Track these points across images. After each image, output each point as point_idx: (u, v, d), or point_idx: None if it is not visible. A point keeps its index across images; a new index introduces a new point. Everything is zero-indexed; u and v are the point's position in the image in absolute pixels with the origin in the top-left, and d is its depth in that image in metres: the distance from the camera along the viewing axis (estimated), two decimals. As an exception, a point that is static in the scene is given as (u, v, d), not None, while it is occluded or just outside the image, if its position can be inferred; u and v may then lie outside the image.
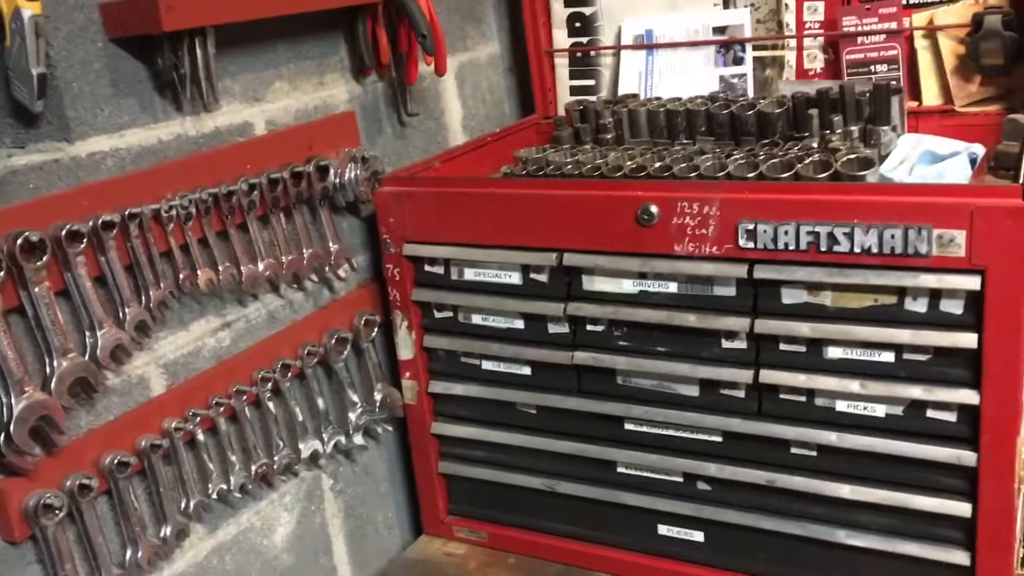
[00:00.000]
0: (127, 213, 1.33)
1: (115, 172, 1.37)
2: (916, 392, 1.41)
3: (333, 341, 1.72)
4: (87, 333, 1.29)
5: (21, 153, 1.31)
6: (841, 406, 1.48)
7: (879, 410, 1.46)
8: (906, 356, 1.42)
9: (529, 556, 1.84)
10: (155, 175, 1.41)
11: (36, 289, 1.21)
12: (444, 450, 1.89)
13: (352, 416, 1.77)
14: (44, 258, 1.20)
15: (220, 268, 1.49)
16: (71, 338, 1.27)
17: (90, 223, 1.28)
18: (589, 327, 1.65)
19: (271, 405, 1.60)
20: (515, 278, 1.69)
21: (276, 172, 1.57)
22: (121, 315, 1.34)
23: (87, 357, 1.29)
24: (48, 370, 1.24)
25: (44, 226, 1.23)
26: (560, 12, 2.21)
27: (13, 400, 1.17)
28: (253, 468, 1.57)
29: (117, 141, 1.38)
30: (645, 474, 1.69)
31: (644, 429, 1.66)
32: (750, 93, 2.03)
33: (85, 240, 1.26)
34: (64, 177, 1.31)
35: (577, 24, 2.20)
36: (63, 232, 1.23)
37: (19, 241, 1.17)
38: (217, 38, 1.44)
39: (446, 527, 1.92)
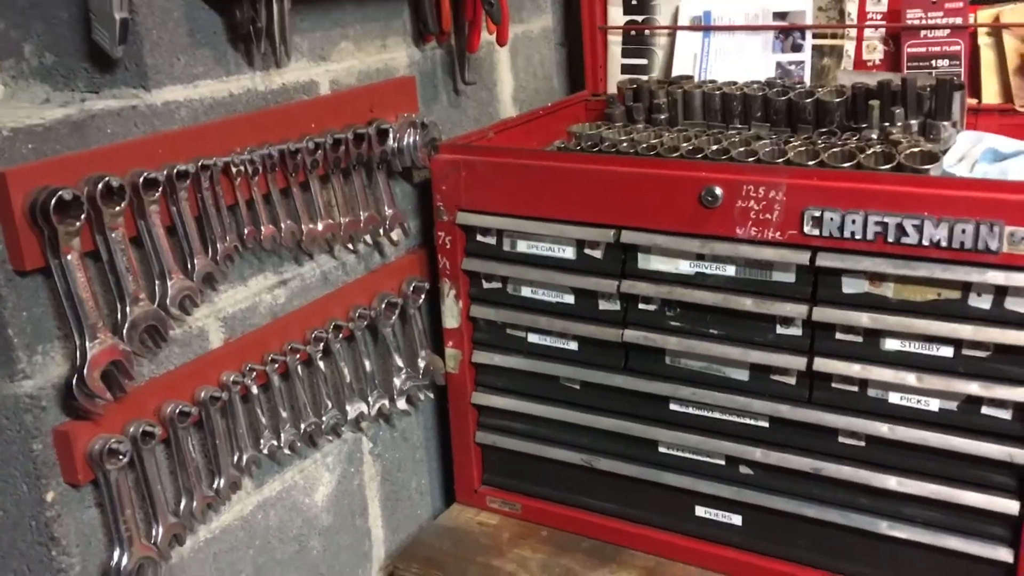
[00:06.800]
0: (200, 164, 1.33)
1: (188, 122, 1.37)
2: (973, 388, 1.41)
3: (383, 305, 1.72)
4: (157, 282, 1.29)
5: (95, 98, 1.31)
6: (894, 398, 1.49)
7: (933, 404, 1.46)
8: (966, 352, 1.42)
9: (562, 530, 1.84)
10: (225, 128, 1.41)
11: (113, 234, 1.20)
12: (483, 420, 1.89)
13: (397, 381, 1.77)
14: (123, 204, 1.20)
15: (282, 225, 1.49)
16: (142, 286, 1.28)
17: (164, 172, 1.28)
18: (641, 306, 1.65)
19: (322, 364, 1.60)
20: (569, 252, 1.69)
21: (339, 132, 1.57)
22: (189, 265, 1.34)
23: (156, 305, 1.29)
24: (120, 316, 1.23)
25: (122, 172, 1.23)
26: (617, -11, 2.20)
27: (88, 344, 1.17)
28: (302, 426, 1.58)
29: (191, 92, 1.37)
30: (687, 455, 1.69)
31: (689, 410, 1.67)
32: (807, 81, 2.02)
33: (160, 188, 1.26)
34: (140, 124, 1.30)
35: (633, 2, 2.19)
36: (141, 179, 1.23)
37: (100, 186, 1.17)
38: (291, -6, 1.43)
39: (479, 497, 1.93)
